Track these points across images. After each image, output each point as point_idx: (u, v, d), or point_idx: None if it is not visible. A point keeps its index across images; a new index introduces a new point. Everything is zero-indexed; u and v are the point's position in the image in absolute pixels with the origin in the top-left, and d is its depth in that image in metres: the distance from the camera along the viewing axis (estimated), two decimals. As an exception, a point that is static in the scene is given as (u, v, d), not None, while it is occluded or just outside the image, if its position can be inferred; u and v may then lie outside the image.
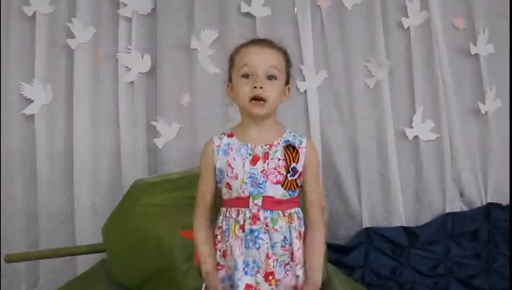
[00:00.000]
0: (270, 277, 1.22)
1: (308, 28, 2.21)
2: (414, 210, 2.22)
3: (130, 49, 2.22)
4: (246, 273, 1.21)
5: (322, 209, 1.32)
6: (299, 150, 1.26)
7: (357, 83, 2.23)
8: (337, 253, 2.05)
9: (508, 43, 2.21)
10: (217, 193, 1.31)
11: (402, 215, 2.18)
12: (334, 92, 2.24)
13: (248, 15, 2.22)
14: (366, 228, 2.14)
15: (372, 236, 2.08)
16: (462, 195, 2.24)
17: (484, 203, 2.21)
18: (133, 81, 2.23)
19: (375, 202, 2.21)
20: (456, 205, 2.21)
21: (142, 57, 2.22)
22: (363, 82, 2.23)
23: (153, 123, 2.21)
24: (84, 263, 2.06)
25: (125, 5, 2.21)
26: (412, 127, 2.21)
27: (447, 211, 2.18)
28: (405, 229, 2.11)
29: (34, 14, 2.20)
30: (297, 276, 1.23)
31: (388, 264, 1.99)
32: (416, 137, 2.22)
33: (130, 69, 2.22)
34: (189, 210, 1.55)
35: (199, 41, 2.18)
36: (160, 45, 2.22)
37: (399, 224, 2.16)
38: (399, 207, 2.18)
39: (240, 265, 1.21)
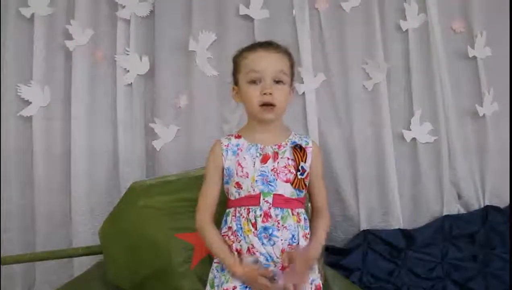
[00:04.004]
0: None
1: (306, 31, 2.22)
2: (411, 212, 2.22)
3: (129, 51, 2.22)
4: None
5: (328, 214, 1.36)
6: (306, 150, 1.30)
7: (355, 86, 2.23)
8: (335, 256, 2.05)
9: (505, 45, 2.21)
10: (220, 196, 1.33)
11: (399, 217, 2.18)
12: (332, 94, 2.24)
13: (247, 17, 2.22)
14: (363, 230, 2.14)
15: (369, 239, 2.08)
16: (459, 197, 2.24)
17: (482, 206, 2.21)
18: (131, 83, 2.23)
19: (373, 204, 2.21)
20: (453, 208, 2.21)
21: (141, 59, 2.22)
22: (361, 84, 2.23)
23: (151, 125, 2.20)
24: (81, 265, 2.06)
25: (124, 7, 2.21)
26: (410, 130, 2.22)
27: (445, 213, 2.18)
28: (403, 232, 2.11)
29: (32, 15, 2.20)
30: None
31: (386, 266, 1.99)
32: (414, 139, 2.22)
33: (128, 71, 2.22)
34: (186, 212, 1.56)
35: (197, 43, 2.18)
36: (159, 47, 2.22)
37: (396, 227, 2.15)
38: (396, 210, 2.18)
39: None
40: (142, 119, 2.25)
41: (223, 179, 1.32)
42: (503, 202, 2.17)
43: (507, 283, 1.83)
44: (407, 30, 2.23)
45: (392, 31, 2.26)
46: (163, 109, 2.21)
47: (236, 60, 1.35)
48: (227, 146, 1.31)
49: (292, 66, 1.35)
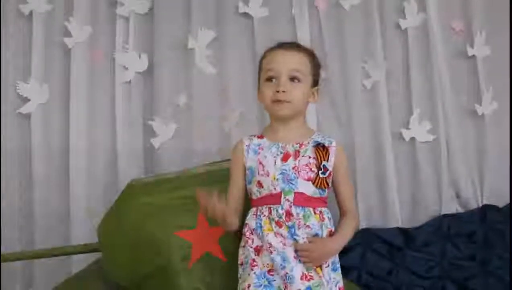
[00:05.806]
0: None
1: (305, 29, 2.21)
2: (410, 211, 2.22)
3: (127, 49, 2.21)
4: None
5: (356, 214, 1.39)
6: (329, 149, 1.31)
7: (354, 84, 2.23)
8: (333, 254, 2.04)
9: (505, 44, 2.21)
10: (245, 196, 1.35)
11: (398, 216, 2.18)
12: (331, 92, 2.24)
13: (246, 15, 2.21)
14: (362, 229, 2.14)
15: (368, 237, 2.08)
16: (458, 196, 2.24)
17: (480, 205, 2.21)
18: (130, 81, 2.22)
19: (372, 203, 2.21)
20: (452, 207, 2.21)
21: (139, 56, 2.22)
22: (360, 83, 2.23)
23: (149, 123, 2.20)
24: (79, 263, 2.05)
25: (123, 4, 2.20)
26: (409, 128, 2.21)
27: (443, 212, 2.18)
28: (401, 231, 2.11)
29: (31, 12, 2.19)
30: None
31: (384, 265, 1.99)
32: (413, 138, 2.22)
33: (127, 68, 2.21)
34: (185, 210, 1.56)
35: (196, 41, 2.17)
36: (158, 45, 2.21)
37: (395, 225, 2.16)
38: (395, 208, 2.18)
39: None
40: (140, 117, 2.24)
41: (245, 179, 1.34)
42: (502, 201, 2.17)
43: (507, 283, 1.83)
44: (406, 29, 2.23)
45: (392, 29, 2.25)
46: (162, 107, 2.21)
47: (260, 61, 1.38)
48: (248, 146, 1.33)
49: (315, 67, 1.37)
